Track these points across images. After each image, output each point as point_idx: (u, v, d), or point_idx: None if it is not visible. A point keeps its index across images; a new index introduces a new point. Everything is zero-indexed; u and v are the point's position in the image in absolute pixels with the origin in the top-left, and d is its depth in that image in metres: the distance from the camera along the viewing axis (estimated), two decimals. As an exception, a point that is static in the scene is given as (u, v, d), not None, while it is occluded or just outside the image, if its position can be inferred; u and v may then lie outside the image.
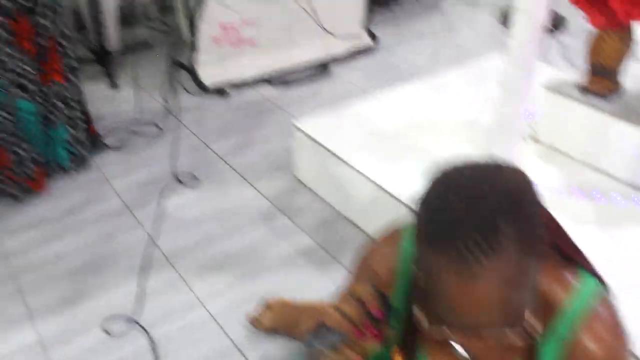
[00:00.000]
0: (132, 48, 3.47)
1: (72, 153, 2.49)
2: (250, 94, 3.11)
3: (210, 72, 3.07)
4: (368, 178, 2.11)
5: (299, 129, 2.41)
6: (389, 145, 2.28)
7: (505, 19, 3.86)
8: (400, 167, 2.14)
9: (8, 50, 2.17)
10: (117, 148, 2.68)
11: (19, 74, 2.22)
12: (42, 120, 2.36)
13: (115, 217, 2.29)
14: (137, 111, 2.89)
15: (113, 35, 3.25)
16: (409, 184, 2.07)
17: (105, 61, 3.22)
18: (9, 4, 2.13)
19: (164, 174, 2.48)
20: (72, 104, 2.42)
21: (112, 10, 3.22)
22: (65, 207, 2.34)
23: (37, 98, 2.31)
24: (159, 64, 3.24)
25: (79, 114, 2.47)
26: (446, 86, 2.68)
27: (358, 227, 2.20)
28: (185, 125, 2.81)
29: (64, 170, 2.49)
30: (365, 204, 2.16)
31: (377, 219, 2.11)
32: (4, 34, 2.15)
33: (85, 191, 2.43)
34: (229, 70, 3.10)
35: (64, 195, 2.41)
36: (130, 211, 2.31)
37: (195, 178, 2.47)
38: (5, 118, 2.24)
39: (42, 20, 2.23)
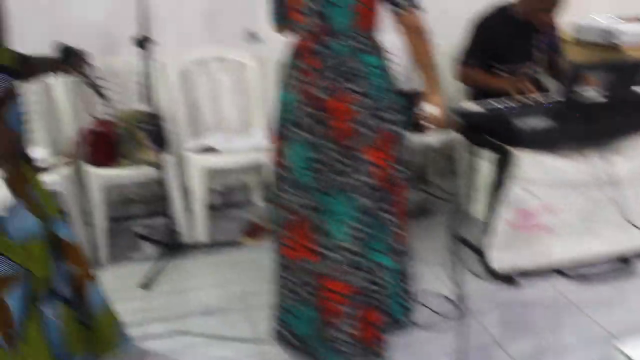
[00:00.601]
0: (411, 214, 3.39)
1: (405, 307, 2.46)
2: (543, 286, 2.81)
3: (499, 257, 2.84)
4: None
5: (625, 356, 2.05)
6: None
7: None
8: None
9: (387, 216, 2.25)
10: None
11: (389, 236, 2.29)
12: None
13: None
14: (416, 288, 2.72)
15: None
16: None
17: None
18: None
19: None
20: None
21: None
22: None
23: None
24: (439, 236, 3.11)
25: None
26: None
27: None
28: (470, 314, 2.59)
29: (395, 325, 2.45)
30: None
31: None
32: (389, 204, 2.24)
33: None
34: (521, 257, 2.85)
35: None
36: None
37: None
38: (380, 277, 2.29)
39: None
